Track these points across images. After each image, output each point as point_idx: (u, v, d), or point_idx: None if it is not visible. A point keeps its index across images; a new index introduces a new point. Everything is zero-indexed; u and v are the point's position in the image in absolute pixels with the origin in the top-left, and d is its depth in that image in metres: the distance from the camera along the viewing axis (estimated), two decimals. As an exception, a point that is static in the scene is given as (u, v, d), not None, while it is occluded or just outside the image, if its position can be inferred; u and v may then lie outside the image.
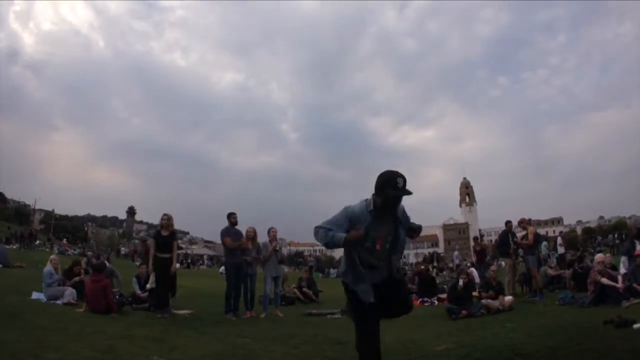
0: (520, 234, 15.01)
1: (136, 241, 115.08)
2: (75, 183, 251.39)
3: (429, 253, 52.93)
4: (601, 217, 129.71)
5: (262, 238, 11.95)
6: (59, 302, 11.23)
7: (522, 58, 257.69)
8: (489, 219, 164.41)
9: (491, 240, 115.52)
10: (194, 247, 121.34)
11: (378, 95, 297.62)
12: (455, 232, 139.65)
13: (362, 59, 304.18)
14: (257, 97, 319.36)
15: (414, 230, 4.88)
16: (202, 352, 6.45)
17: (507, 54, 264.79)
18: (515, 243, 14.40)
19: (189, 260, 61.68)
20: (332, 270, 41.41)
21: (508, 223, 15.08)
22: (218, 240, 13.56)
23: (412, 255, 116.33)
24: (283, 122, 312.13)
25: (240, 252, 11.20)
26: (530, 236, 13.83)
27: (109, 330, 7.81)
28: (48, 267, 12.04)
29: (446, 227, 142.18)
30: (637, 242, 16.25)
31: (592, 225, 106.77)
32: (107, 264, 15.77)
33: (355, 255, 4.70)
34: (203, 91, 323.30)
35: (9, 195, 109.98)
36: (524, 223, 14.37)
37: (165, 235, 10.71)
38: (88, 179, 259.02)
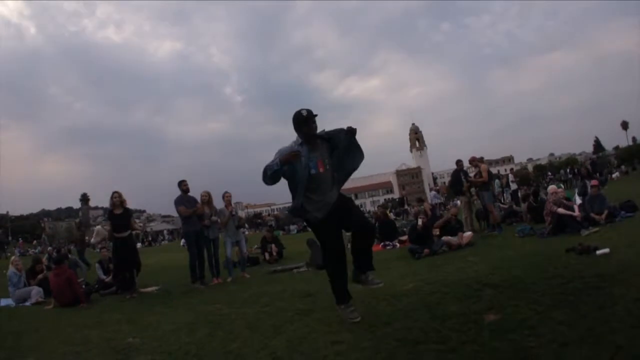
0: (472, 172, 15.31)
1: (92, 228, 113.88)
2: (25, 180, 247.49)
3: (398, 198, 53.00)
4: (551, 154, 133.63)
5: (218, 204, 11.89)
6: (27, 303, 11.17)
7: (464, 4, 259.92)
8: (440, 162, 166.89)
9: (444, 182, 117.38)
10: (152, 224, 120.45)
11: (321, 51, 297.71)
12: (409, 177, 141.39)
13: (301, 15, 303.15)
14: (198, 64, 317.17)
15: (349, 131, 5.42)
16: (174, 325, 6.46)
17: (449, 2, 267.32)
18: (469, 181, 14.69)
19: (149, 238, 61.40)
20: (292, 227, 41.32)
21: (459, 162, 15.37)
22: (175, 214, 13.43)
23: (368, 203, 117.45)
24: (227, 86, 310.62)
25: (197, 218, 11.09)
26: (484, 173, 14.21)
27: (80, 321, 7.85)
28: (11, 269, 11.85)
29: (399, 173, 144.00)
30: (587, 182, 17.05)
31: (543, 162, 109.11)
32: (69, 255, 15.69)
33: (300, 185, 5.35)
34: (142, 65, 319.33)
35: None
36: (475, 161, 14.72)
37: (119, 214, 10.56)
38: (37, 173, 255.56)
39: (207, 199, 11.55)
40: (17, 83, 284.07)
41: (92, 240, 11.22)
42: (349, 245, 5.97)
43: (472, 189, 14.94)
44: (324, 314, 5.89)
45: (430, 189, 37.75)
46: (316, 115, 5.40)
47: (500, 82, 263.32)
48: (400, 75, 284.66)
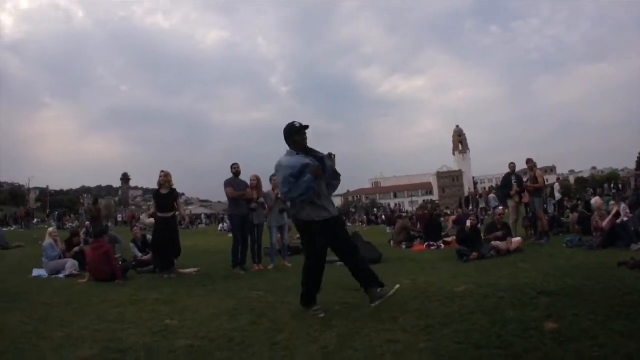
0: (525, 176, 14.76)
1: (133, 207, 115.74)
2: (68, 157, 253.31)
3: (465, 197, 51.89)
4: (594, 168, 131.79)
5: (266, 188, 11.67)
6: (61, 275, 10.85)
7: (513, 7, 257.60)
8: (482, 167, 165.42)
9: (485, 188, 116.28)
10: (190, 207, 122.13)
11: (367, 47, 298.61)
12: (449, 179, 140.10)
13: (349, 10, 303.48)
14: (244, 53, 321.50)
15: (330, 156, 5.94)
16: (215, 309, 6.25)
17: (498, 3, 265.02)
18: (523, 187, 14.22)
19: (188, 221, 61.80)
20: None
21: (512, 165, 14.94)
22: (213, 199, 13.28)
23: (407, 202, 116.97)
24: (272, 76, 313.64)
25: (245, 202, 10.88)
26: (540, 179, 13.92)
27: (115, 297, 7.56)
28: (47, 241, 11.60)
29: (440, 175, 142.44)
30: None
31: (585, 175, 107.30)
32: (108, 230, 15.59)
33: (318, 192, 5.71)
34: (189, 51, 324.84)
35: (2, 178, 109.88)
36: (530, 163, 14.13)
37: (164, 194, 10.40)
38: (80, 151, 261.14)
39: (256, 183, 11.29)
40: (64, 63, 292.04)
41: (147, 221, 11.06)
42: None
43: (523, 193, 14.51)
44: (374, 310, 5.69)
45: (489, 193, 37.35)
46: (307, 127, 5.91)
47: (545, 89, 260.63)
48: (446, 77, 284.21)
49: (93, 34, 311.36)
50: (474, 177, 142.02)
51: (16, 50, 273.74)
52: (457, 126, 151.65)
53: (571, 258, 9.79)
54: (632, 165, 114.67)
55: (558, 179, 36.17)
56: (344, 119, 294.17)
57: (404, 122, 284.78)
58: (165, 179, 10.40)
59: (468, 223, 11.96)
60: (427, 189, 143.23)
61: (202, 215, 74.01)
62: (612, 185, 49.55)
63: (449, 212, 29.56)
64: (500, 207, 14.21)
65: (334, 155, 5.98)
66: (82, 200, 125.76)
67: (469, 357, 3.90)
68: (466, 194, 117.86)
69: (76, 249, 12.13)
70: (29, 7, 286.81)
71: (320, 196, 5.78)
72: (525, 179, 14.44)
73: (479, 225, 13.41)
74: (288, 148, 5.93)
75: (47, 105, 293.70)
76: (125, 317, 6.01)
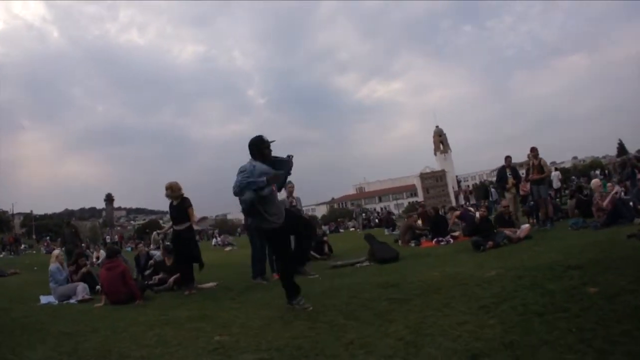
0: (528, 165, 14.87)
1: (118, 228, 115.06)
2: (49, 180, 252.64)
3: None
4: (575, 158, 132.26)
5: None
6: (72, 301, 10.28)
7: (486, 6, 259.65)
8: (464, 165, 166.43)
9: (468, 186, 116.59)
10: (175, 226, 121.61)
11: (343, 53, 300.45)
12: (433, 180, 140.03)
13: (323, 18, 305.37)
14: (220, 67, 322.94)
15: (286, 160, 6.81)
16: (260, 320, 6.05)
17: (471, 2, 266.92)
18: (531, 180, 14.39)
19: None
20: (324, 227, 41.44)
21: (508, 158, 15.31)
22: (201, 215, 13.00)
23: (392, 205, 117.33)
24: (249, 88, 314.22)
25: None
26: (545, 167, 14.18)
27: (143, 319, 7.05)
28: (54, 264, 11.05)
29: (423, 176, 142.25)
30: (636, 170, 16.93)
31: (567, 165, 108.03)
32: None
33: (269, 200, 6.38)
34: (165, 67, 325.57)
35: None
36: (534, 152, 14.20)
37: (176, 205, 10.08)
38: (61, 174, 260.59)
39: None
40: (41, 84, 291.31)
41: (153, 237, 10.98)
42: None
43: (521, 184, 14.99)
44: (423, 300, 5.90)
45: (492, 188, 37.70)
46: (274, 141, 6.71)
47: (521, 84, 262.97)
48: (423, 78, 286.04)
49: (68, 54, 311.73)
50: (457, 176, 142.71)
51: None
52: (437, 126, 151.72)
53: (581, 238, 10.17)
54: (613, 152, 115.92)
55: (556, 169, 36.37)
56: (323, 126, 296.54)
57: (384, 126, 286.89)
58: (171, 192, 10.10)
59: (477, 214, 12.41)
60: (411, 190, 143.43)
61: (194, 232, 74.21)
62: (599, 172, 50.02)
63: (455, 207, 29.76)
64: (504, 201, 14.50)
65: (292, 156, 6.87)
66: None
67: (536, 323, 4.31)
68: (451, 193, 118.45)
69: (83, 269, 11.80)
70: (3, 28, 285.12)
71: (273, 204, 6.52)
72: (527, 168, 14.60)
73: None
74: (251, 158, 6.57)
75: (25, 128, 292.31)
76: (166, 340, 5.58)
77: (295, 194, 11.91)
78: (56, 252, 12.38)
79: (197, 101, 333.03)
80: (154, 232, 17.58)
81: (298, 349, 4.57)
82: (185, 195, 10.26)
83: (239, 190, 6.12)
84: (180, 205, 10.10)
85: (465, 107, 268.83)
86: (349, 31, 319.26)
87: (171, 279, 10.70)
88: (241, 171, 6.23)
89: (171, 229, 10.36)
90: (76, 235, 19.96)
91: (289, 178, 7.30)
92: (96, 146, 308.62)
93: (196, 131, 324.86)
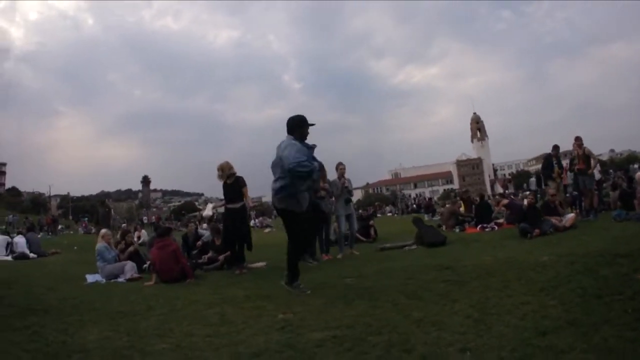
0: (569, 155, 15.18)
1: (154, 209, 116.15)
2: (86, 163, 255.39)
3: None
4: (612, 150, 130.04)
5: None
6: (120, 279, 10.23)
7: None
8: (500, 153, 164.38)
9: (504, 175, 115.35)
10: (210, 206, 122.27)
11: (379, 38, 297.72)
12: (469, 167, 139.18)
13: (359, 2, 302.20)
14: (256, 52, 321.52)
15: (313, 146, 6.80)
16: (320, 299, 6.09)
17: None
18: (577, 170, 14.41)
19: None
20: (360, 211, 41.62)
21: (555, 147, 15.47)
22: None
23: (427, 192, 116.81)
24: (285, 73, 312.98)
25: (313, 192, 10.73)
26: (593, 158, 14.21)
27: (199, 298, 7.01)
28: (101, 244, 11.07)
29: (460, 163, 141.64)
30: None
31: (604, 158, 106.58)
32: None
33: (304, 183, 6.65)
34: (200, 53, 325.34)
35: (22, 188, 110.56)
36: (579, 141, 14.17)
37: (229, 184, 10.19)
38: (97, 157, 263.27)
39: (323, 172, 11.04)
40: (76, 71, 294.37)
41: (204, 213, 10.95)
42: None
43: (564, 174, 15.31)
44: (481, 282, 6.12)
45: (533, 177, 37.43)
46: (313, 125, 6.87)
47: (559, 72, 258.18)
48: (460, 64, 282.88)
49: (103, 41, 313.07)
50: (493, 164, 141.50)
51: (28, 61, 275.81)
52: (475, 113, 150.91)
53: (625, 229, 10.27)
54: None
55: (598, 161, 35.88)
56: (359, 111, 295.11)
57: (421, 112, 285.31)
58: (222, 172, 10.29)
59: (525, 202, 12.46)
60: (447, 177, 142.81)
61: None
62: (638, 166, 49.15)
63: (504, 195, 29.70)
64: (551, 189, 14.38)
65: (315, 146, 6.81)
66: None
67: (595, 304, 4.56)
68: (486, 181, 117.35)
69: (130, 248, 11.83)
70: (38, 18, 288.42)
71: (306, 186, 6.81)
72: (571, 158, 14.70)
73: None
74: (288, 135, 6.73)
75: (62, 114, 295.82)
76: (229, 318, 5.52)
77: (346, 176, 11.83)
78: (103, 231, 12.26)
79: (232, 86, 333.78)
80: (208, 205, 17.57)
81: (368, 326, 4.62)
82: (238, 175, 10.37)
83: (296, 166, 6.22)
84: (234, 184, 10.21)
85: (502, 94, 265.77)
86: (385, 16, 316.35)
87: (221, 257, 10.82)
88: (286, 146, 6.48)
89: (223, 206, 10.48)
90: (109, 216, 20.06)
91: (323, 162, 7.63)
92: (132, 130, 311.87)
93: (232, 116, 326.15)
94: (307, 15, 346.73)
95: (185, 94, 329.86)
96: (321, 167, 11.09)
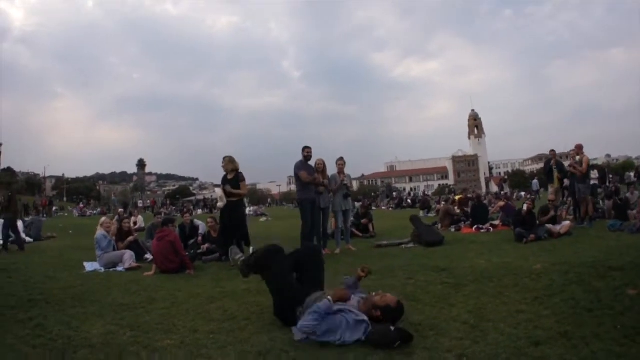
0: (568, 162, 15.30)
1: (148, 193, 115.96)
2: (81, 145, 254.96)
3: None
4: (608, 156, 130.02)
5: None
6: (120, 268, 10.17)
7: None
8: (497, 151, 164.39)
9: (500, 173, 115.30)
10: (204, 192, 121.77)
11: (380, 30, 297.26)
12: (465, 164, 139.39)
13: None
14: (255, 38, 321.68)
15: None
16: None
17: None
18: (571, 166, 14.52)
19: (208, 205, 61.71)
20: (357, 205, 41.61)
21: (552, 152, 15.95)
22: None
23: (422, 187, 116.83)
24: (284, 60, 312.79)
25: (314, 187, 11.02)
26: (585, 165, 14.08)
27: (200, 291, 7.05)
28: (100, 232, 10.95)
29: (455, 159, 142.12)
30: None
31: (600, 162, 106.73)
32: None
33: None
34: (199, 37, 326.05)
35: (17, 168, 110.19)
36: (579, 148, 14.30)
37: (230, 179, 10.51)
38: (93, 139, 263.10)
39: (322, 167, 11.33)
40: (75, 53, 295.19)
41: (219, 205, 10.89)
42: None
43: (565, 180, 15.37)
44: (477, 287, 6.33)
45: (535, 179, 37.53)
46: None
47: (558, 74, 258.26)
48: (459, 60, 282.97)
49: (103, 24, 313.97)
50: (489, 162, 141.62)
51: (27, 42, 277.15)
52: (473, 110, 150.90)
53: (619, 240, 10.43)
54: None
55: (595, 166, 36.15)
56: (357, 102, 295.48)
57: (418, 106, 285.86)
58: (226, 165, 10.59)
59: (524, 207, 12.47)
60: (442, 173, 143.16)
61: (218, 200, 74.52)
62: (633, 174, 49.14)
63: (500, 196, 29.91)
64: (551, 195, 14.91)
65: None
66: (98, 187, 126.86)
67: (586, 317, 4.76)
68: (482, 178, 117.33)
69: (130, 238, 11.86)
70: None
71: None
72: (569, 163, 14.84)
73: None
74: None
75: (59, 95, 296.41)
76: (232, 314, 5.57)
77: (346, 172, 11.99)
78: (103, 219, 12.04)
79: (231, 71, 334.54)
80: (217, 191, 17.59)
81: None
82: (239, 171, 10.73)
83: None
84: (234, 179, 10.55)
85: (500, 92, 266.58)
86: (386, 9, 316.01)
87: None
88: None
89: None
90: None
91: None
92: (129, 112, 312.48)
93: (229, 101, 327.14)
94: (309, 4, 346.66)
95: (183, 78, 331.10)
96: (319, 165, 11.37)
